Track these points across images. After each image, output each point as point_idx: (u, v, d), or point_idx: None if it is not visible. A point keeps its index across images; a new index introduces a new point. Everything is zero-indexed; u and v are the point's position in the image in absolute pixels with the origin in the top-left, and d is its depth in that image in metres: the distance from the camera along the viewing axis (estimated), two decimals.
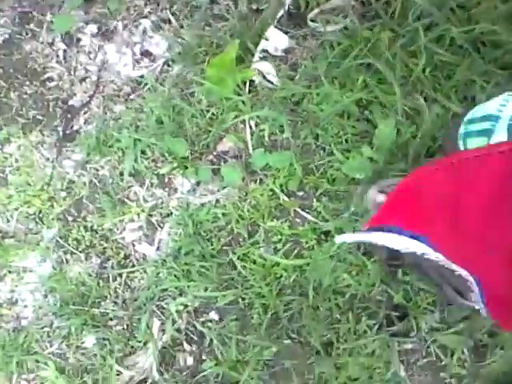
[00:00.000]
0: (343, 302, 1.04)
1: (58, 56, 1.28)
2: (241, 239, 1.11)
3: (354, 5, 1.16)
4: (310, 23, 1.17)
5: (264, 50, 1.17)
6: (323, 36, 1.15)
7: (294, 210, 1.13)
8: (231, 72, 1.09)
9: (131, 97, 1.24)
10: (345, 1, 1.17)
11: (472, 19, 1.03)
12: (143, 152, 1.19)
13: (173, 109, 1.18)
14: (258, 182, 1.16)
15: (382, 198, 1.04)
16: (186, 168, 1.15)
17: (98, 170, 1.20)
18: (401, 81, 1.05)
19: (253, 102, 1.13)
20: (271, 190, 1.12)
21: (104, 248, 1.16)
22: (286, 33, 1.18)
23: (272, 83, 1.17)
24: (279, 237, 1.10)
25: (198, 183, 1.18)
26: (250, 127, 1.18)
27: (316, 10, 1.18)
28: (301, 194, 1.14)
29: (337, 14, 1.16)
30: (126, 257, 1.16)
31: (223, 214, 1.13)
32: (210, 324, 1.08)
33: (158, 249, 1.15)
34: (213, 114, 1.18)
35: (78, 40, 1.28)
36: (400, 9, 1.06)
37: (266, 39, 1.16)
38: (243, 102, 1.12)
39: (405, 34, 1.05)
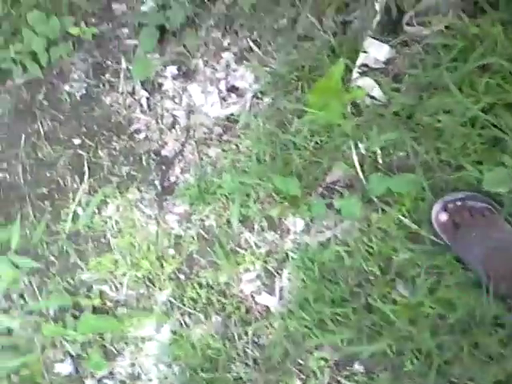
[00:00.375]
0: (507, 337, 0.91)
1: (141, 105, 1.25)
2: (373, 277, 1.03)
3: (451, 1, 1.04)
4: (407, 28, 1.09)
5: (363, 65, 1.10)
6: (424, 39, 1.07)
7: (429, 238, 1.03)
8: (337, 95, 1.03)
9: (224, 137, 1.21)
10: None
11: None
12: (248, 195, 1.13)
13: (272, 143, 1.15)
14: (380, 211, 1.08)
15: (444, 217, 1.01)
16: (298, 206, 1.05)
17: (203, 221, 1.17)
18: None
19: (358, 122, 1.08)
20: (398, 218, 0.99)
21: (223, 304, 1.12)
22: (384, 42, 1.10)
23: (376, 99, 1.11)
24: (417, 270, 1.01)
25: (311, 220, 1.12)
26: (360, 151, 1.11)
27: (410, 13, 1.09)
28: None
29: (434, 14, 1.07)
30: (248, 311, 1.12)
31: (347, 252, 1.04)
32: (356, 377, 0.98)
33: (280, 298, 1.07)
34: (316, 142, 1.14)
35: (160, 85, 1.27)
36: None
37: (365, 52, 1.05)
38: (349, 125, 1.08)
39: None
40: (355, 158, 1.09)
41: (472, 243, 0.98)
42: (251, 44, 1.18)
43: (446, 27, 1.04)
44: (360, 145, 1.09)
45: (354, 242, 1.07)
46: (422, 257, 1.03)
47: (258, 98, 1.18)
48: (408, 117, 1.06)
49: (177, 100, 1.23)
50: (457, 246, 1.00)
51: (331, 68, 1.03)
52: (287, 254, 1.11)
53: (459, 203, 0.98)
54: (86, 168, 1.27)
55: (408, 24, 1.08)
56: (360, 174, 1.08)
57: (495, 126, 1.00)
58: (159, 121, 1.23)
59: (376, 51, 1.08)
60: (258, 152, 1.14)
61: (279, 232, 1.14)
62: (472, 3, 1.04)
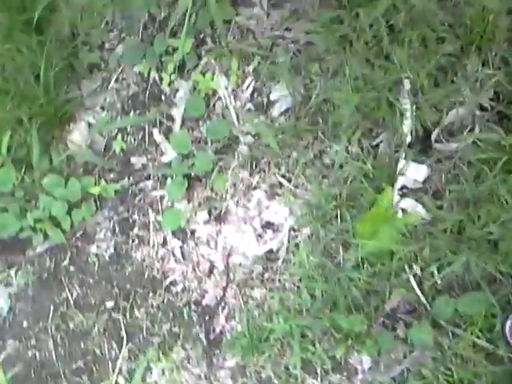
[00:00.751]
0: None
1: (174, 255, 1.25)
2: None
3: (476, 115, 1.10)
4: (436, 145, 1.13)
5: (403, 187, 1.13)
6: (457, 154, 1.10)
7: (509, 357, 0.96)
8: (388, 221, 1.06)
9: (266, 276, 1.23)
10: (464, 112, 1.11)
11: None
12: (305, 336, 1.04)
13: (321, 277, 1.12)
14: (451, 335, 1.05)
15: None
16: (363, 342, 0.98)
17: (259, 373, 1.13)
18: None
19: (410, 244, 1.08)
20: (472, 340, 0.94)
21: None
22: (417, 162, 1.13)
23: (423, 218, 1.11)
24: None
25: (378, 354, 1.03)
26: (417, 274, 1.10)
27: (437, 131, 1.13)
28: None
29: (460, 128, 1.11)
30: None
31: None
32: None
33: None
34: (369, 270, 1.11)
35: (192, 232, 1.29)
36: None
37: (402, 174, 1.05)
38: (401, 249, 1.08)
39: None
40: (413, 282, 1.11)
41: None
42: (280, 179, 1.23)
43: (479, 140, 1.05)
44: (415, 267, 1.09)
45: (431, 373, 1.00)
46: (505, 378, 0.96)
47: (295, 231, 1.21)
48: (458, 232, 1.08)
49: (212, 244, 1.24)
50: None
51: (378, 196, 1.03)
52: None
53: None
54: (123, 332, 1.24)
55: (437, 141, 1.10)
56: (422, 297, 1.08)
57: None
58: (196, 268, 1.22)
59: (414, 172, 1.12)
60: (307, 287, 1.11)
61: (345, 373, 1.10)
62: (496, 113, 1.06)
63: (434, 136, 1.13)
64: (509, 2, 1.09)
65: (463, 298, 1.06)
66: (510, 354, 1.03)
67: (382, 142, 1.17)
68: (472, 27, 1.10)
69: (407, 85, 1.11)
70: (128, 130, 1.37)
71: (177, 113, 1.33)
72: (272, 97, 1.25)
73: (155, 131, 1.34)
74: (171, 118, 1.33)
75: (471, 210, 1.07)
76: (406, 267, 1.10)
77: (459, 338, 1.05)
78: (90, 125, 1.40)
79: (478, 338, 1.04)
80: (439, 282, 1.10)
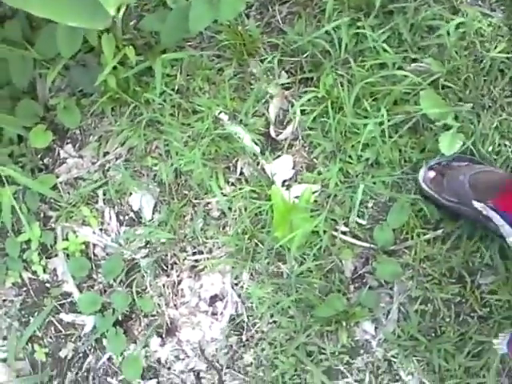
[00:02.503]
0: None
1: None
2: None
3: None
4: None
5: (284, 181, 1.25)
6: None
7: None
8: (293, 213, 1.15)
9: (244, 338, 1.25)
10: None
11: None
12: (309, 354, 1.14)
13: (285, 297, 1.13)
14: (405, 250, 1.15)
15: (433, 173, 1.16)
16: (354, 314, 1.06)
17: None
18: None
19: None
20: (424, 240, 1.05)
21: None
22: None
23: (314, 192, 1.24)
24: None
25: (371, 312, 1.10)
26: (346, 230, 1.21)
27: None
28: None
29: None
30: None
31: None
32: None
33: None
34: (311, 259, 1.14)
35: (158, 361, 1.27)
36: None
37: (275, 174, 1.16)
38: None
39: None
40: (348, 238, 1.18)
41: (458, 174, 1.11)
42: (194, 258, 1.25)
43: None
44: (340, 227, 1.19)
45: (418, 288, 1.06)
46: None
47: (237, 284, 1.23)
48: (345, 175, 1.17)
49: (181, 356, 1.22)
50: (445, 189, 1.13)
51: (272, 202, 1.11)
52: None
53: (444, 163, 1.08)
54: None
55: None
56: (363, 243, 1.18)
57: None
58: None
59: (283, 165, 1.23)
60: (279, 314, 1.13)
61: (362, 351, 1.14)
62: None
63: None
64: None
65: (390, 216, 1.18)
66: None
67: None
68: None
69: None
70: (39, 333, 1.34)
71: (70, 285, 1.33)
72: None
73: (62, 315, 1.32)
74: (67, 294, 1.33)
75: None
76: (334, 233, 1.21)
77: (411, 246, 1.16)
78: None
79: (425, 234, 1.17)
80: (364, 222, 1.22)
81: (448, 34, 1.22)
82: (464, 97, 1.21)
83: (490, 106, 1.21)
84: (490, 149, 1.19)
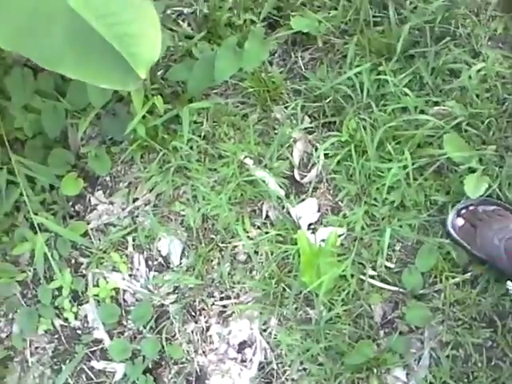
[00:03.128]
0: None
1: None
2: None
3: None
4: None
5: (309, 224, 1.27)
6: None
7: None
8: (320, 257, 1.19)
9: None
10: None
11: None
12: None
13: (314, 343, 1.10)
14: (434, 293, 1.15)
15: (461, 221, 1.17)
16: (385, 360, 1.06)
17: None
18: None
19: None
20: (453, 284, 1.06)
21: None
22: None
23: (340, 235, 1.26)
24: None
25: (402, 358, 1.09)
26: (374, 274, 1.22)
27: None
28: None
29: None
30: None
31: None
32: None
33: None
34: (339, 304, 1.15)
35: None
36: None
37: (300, 218, 1.18)
38: None
39: None
40: (376, 282, 1.19)
41: (492, 237, 1.11)
42: (221, 303, 1.26)
43: None
44: (367, 270, 1.20)
45: (449, 332, 1.05)
46: None
47: (265, 330, 1.23)
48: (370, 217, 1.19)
49: None
50: (478, 245, 1.13)
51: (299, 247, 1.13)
52: None
53: (472, 208, 1.08)
54: None
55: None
56: (392, 287, 1.18)
57: None
58: None
59: (307, 210, 1.25)
60: (309, 362, 1.12)
61: None
62: None
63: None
64: None
65: (418, 260, 1.19)
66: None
67: None
68: None
69: None
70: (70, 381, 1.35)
71: (101, 332, 1.35)
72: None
73: (93, 363, 1.34)
74: (98, 340, 1.35)
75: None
76: (361, 276, 1.21)
77: (440, 290, 1.16)
78: None
79: (454, 277, 1.17)
80: (392, 266, 1.22)
81: (469, 77, 1.24)
82: (487, 139, 1.21)
83: None
84: None
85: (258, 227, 1.31)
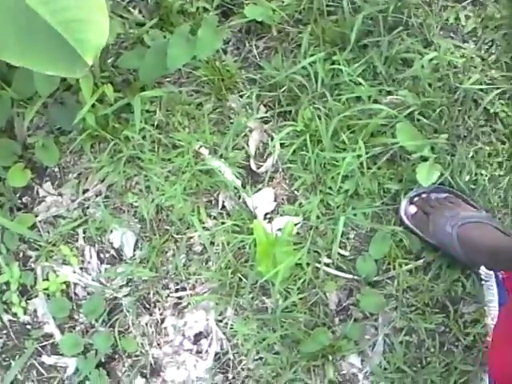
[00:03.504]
0: None
1: None
2: None
3: None
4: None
5: (266, 214, 1.26)
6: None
7: None
8: (276, 246, 1.16)
9: (230, 376, 1.24)
10: None
11: None
12: None
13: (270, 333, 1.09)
14: (388, 280, 1.17)
15: (414, 209, 1.18)
16: (340, 347, 1.06)
17: None
18: None
19: None
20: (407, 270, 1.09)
21: None
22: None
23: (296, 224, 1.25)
24: None
25: (357, 345, 1.11)
26: (328, 262, 1.17)
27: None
28: None
29: None
30: None
31: None
32: None
33: None
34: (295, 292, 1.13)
35: None
36: None
37: (256, 207, 1.19)
38: None
39: None
40: (331, 270, 1.19)
41: (444, 224, 1.12)
42: (176, 295, 1.25)
43: None
44: (322, 258, 1.19)
45: (401, 316, 1.07)
46: None
47: (221, 321, 1.23)
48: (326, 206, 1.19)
49: None
50: (430, 233, 1.15)
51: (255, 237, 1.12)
52: None
53: (424, 195, 1.10)
54: None
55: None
56: (347, 275, 1.18)
57: None
58: None
59: (263, 198, 1.26)
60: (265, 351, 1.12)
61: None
62: None
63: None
64: None
65: (372, 247, 1.19)
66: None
67: None
68: None
69: None
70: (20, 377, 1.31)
71: (51, 327, 1.31)
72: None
73: (44, 358, 1.30)
74: (49, 335, 1.31)
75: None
76: (317, 264, 1.21)
77: (393, 277, 1.18)
78: None
79: (407, 264, 1.18)
80: (347, 253, 1.23)
81: (422, 66, 1.24)
82: (439, 128, 1.23)
83: (465, 136, 1.24)
84: (467, 178, 1.21)
85: (214, 217, 1.29)
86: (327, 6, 1.28)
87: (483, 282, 1.04)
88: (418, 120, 1.23)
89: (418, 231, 1.17)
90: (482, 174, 1.22)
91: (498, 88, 1.24)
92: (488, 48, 1.29)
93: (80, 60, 0.82)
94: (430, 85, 1.24)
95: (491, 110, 1.24)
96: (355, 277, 1.21)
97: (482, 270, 1.03)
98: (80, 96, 1.27)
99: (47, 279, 1.32)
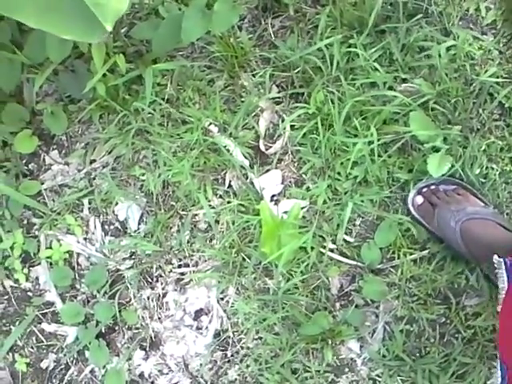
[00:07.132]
0: None
1: None
2: None
3: None
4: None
5: (272, 196, 1.22)
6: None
7: None
8: (281, 228, 1.13)
9: (229, 353, 1.22)
10: None
11: None
12: (294, 371, 1.09)
13: (272, 315, 1.07)
14: (391, 269, 1.17)
15: (421, 199, 1.15)
16: (339, 332, 1.06)
17: None
18: None
19: None
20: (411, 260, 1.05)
21: None
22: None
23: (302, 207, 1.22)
24: None
25: (357, 331, 1.08)
26: (333, 248, 1.19)
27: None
28: None
29: None
30: None
31: None
32: None
33: None
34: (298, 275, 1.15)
35: (141, 375, 1.23)
36: None
37: (264, 188, 1.16)
38: None
39: None
40: (335, 256, 1.16)
41: (449, 218, 1.09)
42: (179, 270, 1.22)
43: None
44: (327, 243, 1.16)
45: (403, 307, 1.06)
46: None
47: (222, 299, 1.20)
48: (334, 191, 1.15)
49: (165, 370, 1.19)
50: (435, 224, 1.12)
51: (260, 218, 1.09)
52: None
53: (433, 187, 1.08)
54: None
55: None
56: (351, 261, 1.16)
57: None
58: None
59: (271, 180, 1.22)
60: (265, 331, 1.12)
61: (347, 369, 1.11)
62: None
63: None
64: None
65: (377, 235, 1.16)
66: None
67: None
68: None
69: None
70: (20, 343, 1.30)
71: (52, 295, 1.29)
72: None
73: (44, 325, 1.28)
74: (50, 303, 1.29)
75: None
76: (321, 249, 1.18)
77: (397, 266, 1.15)
78: None
79: (412, 254, 1.15)
80: (352, 240, 1.20)
81: (439, 55, 1.19)
82: (453, 119, 1.19)
83: (478, 129, 1.20)
84: (478, 171, 1.17)
85: (220, 196, 1.25)
86: None
87: (496, 271, 1.00)
88: (432, 110, 1.18)
89: (424, 222, 1.15)
90: (492, 168, 1.18)
91: None
92: (507, 42, 1.24)
93: (99, 25, 0.77)
94: (446, 74, 1.20)
95: (506, 105, 1.19)
96: (359, 263, 1.18)
97: (495, 258, 1.00)
98: (91, 65, 1.22)
99: (50, 247, 1.29)
